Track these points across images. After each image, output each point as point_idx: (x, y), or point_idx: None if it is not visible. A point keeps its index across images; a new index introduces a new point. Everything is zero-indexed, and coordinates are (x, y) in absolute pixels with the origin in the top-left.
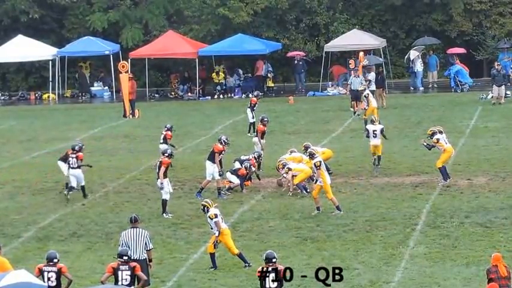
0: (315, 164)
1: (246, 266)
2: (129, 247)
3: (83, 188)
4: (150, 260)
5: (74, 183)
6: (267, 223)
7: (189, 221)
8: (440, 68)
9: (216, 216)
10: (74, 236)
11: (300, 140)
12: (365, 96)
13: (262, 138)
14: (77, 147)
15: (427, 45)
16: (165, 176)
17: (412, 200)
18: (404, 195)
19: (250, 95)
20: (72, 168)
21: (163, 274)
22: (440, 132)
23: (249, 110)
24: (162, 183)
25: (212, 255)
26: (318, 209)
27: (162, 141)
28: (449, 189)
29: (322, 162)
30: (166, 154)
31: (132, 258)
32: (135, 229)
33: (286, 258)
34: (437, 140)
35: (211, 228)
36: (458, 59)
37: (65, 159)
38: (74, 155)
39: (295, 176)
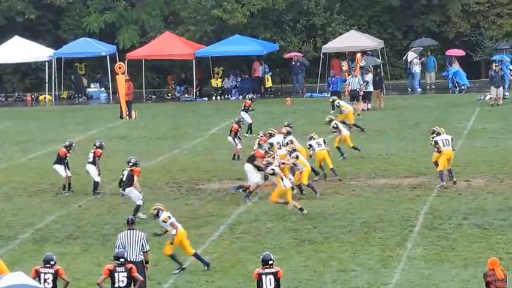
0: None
1: (205, 266)
2: (125, 249)
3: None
4: (147, 262)
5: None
6: (264, 225)
7: (186, 223)
8: (438, 69)
9: (169, 217)
10: (71, 238)
11: (298, 142)
12: (336, 105)
13: (235, 136)
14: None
15: (424, 47)
16: (131, 184)
17: (409, 201)
18: (402, 196)
19: (247, 97)
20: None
21: (160, 276)
22: (438, 134)
23: (243, 112)
24: (131, 192)
25: (172, 256)
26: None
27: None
28: (447, 190)
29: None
30: (131, 163)
31: (129, 260)
32: (131, 231)
33: (284, 260)
34: (436, 142)
35: (163, 233)
36: (457, 62)
37: (60, 160)
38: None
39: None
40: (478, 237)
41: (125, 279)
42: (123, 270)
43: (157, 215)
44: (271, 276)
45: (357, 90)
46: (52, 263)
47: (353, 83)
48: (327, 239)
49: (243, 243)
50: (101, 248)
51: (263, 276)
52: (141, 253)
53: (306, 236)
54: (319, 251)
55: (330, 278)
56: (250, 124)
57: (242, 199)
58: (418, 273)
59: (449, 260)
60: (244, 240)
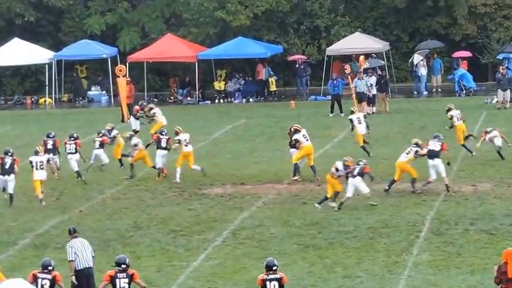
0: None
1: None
2: (81, 256)
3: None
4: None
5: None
6: (268, 230)
7: (189, 228)
8: (444, 72)
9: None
10: None
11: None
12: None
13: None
14: (52, 134)
15: (431, 49)
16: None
17: (416, 206)
18: (408, 201)
19: (251, 100)
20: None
21: (162, 282)
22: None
23: (132, 118)
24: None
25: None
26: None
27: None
28: (454, 195)
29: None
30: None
31: (87, 266)
32: (78, 238)
33: (288, 266)
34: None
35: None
36: (466, 64)
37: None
38: (71, 142)
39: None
40: (485, 243)
41: (126, 285)
42: (125, 276)
43: (130, 138)
44: (276, 283)
45: (365, 92)
46: (50, 268)
47: (360, 85)
48: (331, 244)
49: (246, 248)
50: (102, 253)
51: (267, 283)
52: (91, 258)
53: (310, 242)
54: (323, 257)
55: (334, 284)
56: (137, 132)
57: (245, 204)
58: (424, 280)
59: (456, 266)
60: (248, 245)
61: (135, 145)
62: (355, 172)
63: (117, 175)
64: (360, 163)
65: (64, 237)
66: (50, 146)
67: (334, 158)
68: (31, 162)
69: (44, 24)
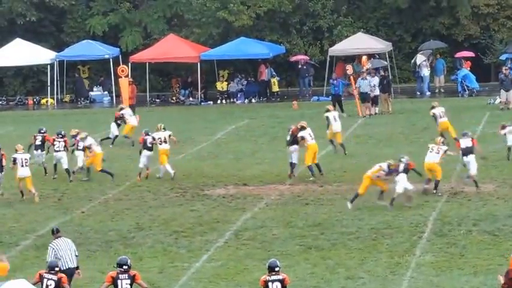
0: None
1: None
2: (62, 258)
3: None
4: (77, 268)
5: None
6: (271, 231)
7: (191, 229)
8: (447, 72)
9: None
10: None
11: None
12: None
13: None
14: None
15: (433, 49)
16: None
17: (418, 207)
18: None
19: (253, 100)
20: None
21: (165, 283)
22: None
23: (113, 124)
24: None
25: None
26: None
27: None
28: (457, 196)
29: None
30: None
31: (66, 267)
32: (61, 238)
33: (290, 267)
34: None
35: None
36: (469, 64)
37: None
38: (60, 139)
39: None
40: (488, 244)
41: (128, 287)
42: (127, 278)
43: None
44: (278, 283)
45: (368, 92)
46: (57, 269)
47: (363, 85)
48: (334, 245)
49: (249, 249)
50: (104, 254)
51: (270, 283)
52: (75, 258)
53: (313, 243)
54: (326, 258)
55: (337, 285)
56: (116, 136)
57: (247, 205)
58: (427, 281)
59: (459, 267)
60: (250, 246)
61: (89, 147)
62: (400, 169)
63: (118, 176)
64: (403, 159)
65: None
66: (38, 142)
67: (336, 159)
68: (15, 160)
69: (46, 24)
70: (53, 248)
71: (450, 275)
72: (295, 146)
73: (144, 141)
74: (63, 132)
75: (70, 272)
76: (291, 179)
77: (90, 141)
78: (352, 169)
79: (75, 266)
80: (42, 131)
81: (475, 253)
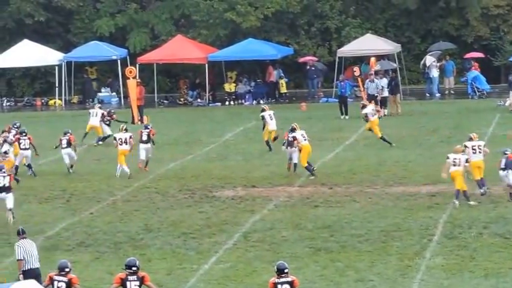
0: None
1: None
2: (31, 257)
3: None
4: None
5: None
6: (280, 233)
7: (200, 231)
8: (456, 73)
9: None
10: (82, 246)
11: (312, 148)
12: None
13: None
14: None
15: (443, 51)
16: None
17: (428, 209)
18: (420, 204)
19: (261, 102)
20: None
21: (173, 285)
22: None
23: (104, 124)
24: None
25: None
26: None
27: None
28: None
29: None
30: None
31: (33, 267)
32: (26, 239)
33: (299, 269)
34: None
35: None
36: (479, 66)
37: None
38: (25, 137)
39: None
40: (499, 247)
41: None
42: (135, 279)
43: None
44: (287, 286)
45: (375, 94)
46: (67, 270)
47: (370, 87)
48: (343, 248)
49: (257, 251)
50: (112, 256)
51: (279, 286)
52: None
53: (322, 245)
54: (335, 260)
55: None
56: (109, 136)
57: (256, 206)
58: (437, 284)
59: (470, 270)
60: (259, 248)
61: (5, 152)
62: (502, 165)
63: (126, 177)
64: (507, 152)
65: (75, 239)
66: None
67: (345, 161)
68: None
69: (54, 25)
70: (20, 247)
71: (461, 278)
72: (293, 148)
73: (141, 135)
74: (70, 131)
75: (36, 273)
76: (289, 171)
77: (6, 147)
78: (361, 171)
79: (39, 266)
80: (15, 126)
81: (485, 256)
